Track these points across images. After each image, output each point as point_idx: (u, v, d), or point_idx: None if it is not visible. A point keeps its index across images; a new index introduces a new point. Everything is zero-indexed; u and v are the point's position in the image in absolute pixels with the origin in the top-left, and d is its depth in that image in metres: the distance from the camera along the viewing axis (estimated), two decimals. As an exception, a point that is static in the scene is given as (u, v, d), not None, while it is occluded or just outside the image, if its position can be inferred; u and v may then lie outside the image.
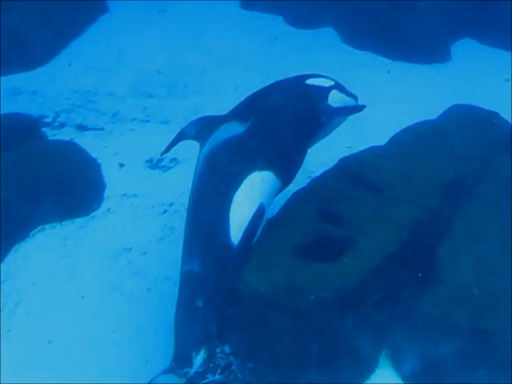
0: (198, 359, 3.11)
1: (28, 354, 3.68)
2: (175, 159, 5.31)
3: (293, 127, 3.67)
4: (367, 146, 4.17)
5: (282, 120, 3.68)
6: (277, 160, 3.55)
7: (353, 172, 3.84)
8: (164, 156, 5.28)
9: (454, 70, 6.84)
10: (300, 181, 3.99)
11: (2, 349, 3.68)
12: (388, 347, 3.59)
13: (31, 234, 4.49)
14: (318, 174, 4.02)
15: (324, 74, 4.00)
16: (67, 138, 5.37)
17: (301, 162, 3.76)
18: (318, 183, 3.86)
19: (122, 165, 5.23)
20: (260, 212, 3.41)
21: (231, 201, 3.36)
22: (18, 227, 4.41)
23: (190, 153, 5.25)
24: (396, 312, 3.47)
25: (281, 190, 3.69)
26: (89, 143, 5.31)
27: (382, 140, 4.31)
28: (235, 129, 3.60)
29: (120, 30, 7.43)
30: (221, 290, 3.26)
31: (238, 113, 3.73)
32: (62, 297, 4.03)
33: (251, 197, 3.40)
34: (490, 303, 3.33)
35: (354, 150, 4.18)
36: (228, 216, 3.33)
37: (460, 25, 7.32)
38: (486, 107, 4.62)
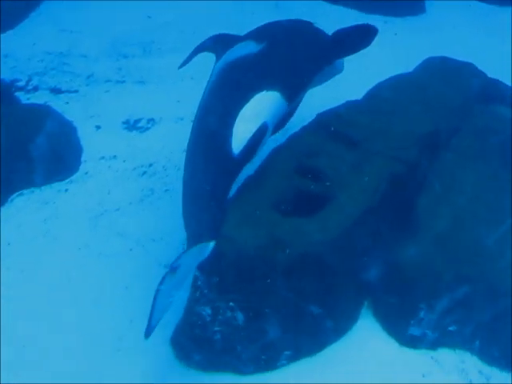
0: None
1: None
2: (152, 119, 5.25)
3: (303, 55, 3.79)
4: (343, 101, 4.16)
5: (295, 47, 3.81)
6: (286, 83, 3.66)
7: (330, 127, 3.83)
8: (141, 116, 5.26)
9: (429, 23, 6.80)
10: (277, 137, 3.98)
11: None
12: (370, 299, 3.64)
13: (10, 199, 4.44)
14: (295, 130, 4.01)
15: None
16: (41, 102, 5.28)
17: (305, 92, 3.89)
18: (295, 139, 3.84)
19: (98, 127, 5.16)
20: (263, 129, 3.51)
21: (237, 114, 3.46)
22: (-5, 193, 4.36)
23: (168, 113, 5.28)
24: (377, 263, 3.51)
25: (285, 117, 3.80)
26: (63, 106, 5.23)
27: (358, 95, 4.29)
28: (250, 47, 3.72)
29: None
30: (219, 192, 3.38)
31: (255, 35, 3.85)
32: (44, 260, 4.02)
33: (257, 113, 3.50)
34: (467, 251, 3.38)
35: (331, 106, 4.16)
36: (232, 127, 3.44)
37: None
38: (462, 59, 4.62)
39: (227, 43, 3.83)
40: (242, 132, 3.45)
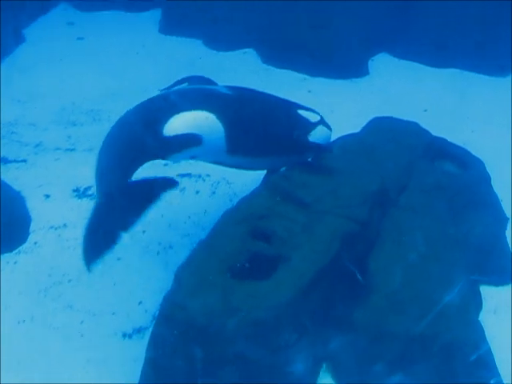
0: None
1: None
2: (103, 187, 5.17)
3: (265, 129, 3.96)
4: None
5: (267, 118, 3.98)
6: (235, 128, 3.81)
7: (281, 189, 3.81)
8: (91, 184, 5.17)
9: (372, 84, 6.97)
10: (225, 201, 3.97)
11: None
12: (328, 360, 3.57)
13: (-44, 275, 4.28)
14: (245, 193, 3.99)
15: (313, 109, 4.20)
16: (-12, 173, 5.18)
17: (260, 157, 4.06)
18: (246, 202, 3.81)
19: (47, 196, 5.05)
20: (195, 138, 3.71)
21: (178, 112, 3.68)
22: None
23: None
24: (333, 324, 3.45)
25: (225, 157, 3.95)
26: (11, 176, 5.12)
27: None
28: (222, 89, 3.95)
29: (39, 60, 7.25)
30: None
31: (232, 88, 4.01)
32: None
33: (196, 121, 3.70)
34: (421, 309, 3.36)
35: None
36: (169, 118, 3.66)
37: (376, 40, 7.48)
38: (404, 117, 4.71)
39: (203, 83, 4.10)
40: (177, 124, 3.64)
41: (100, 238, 3.52)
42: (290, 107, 4.12)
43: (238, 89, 4.04)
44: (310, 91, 6.74)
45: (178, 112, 3.70)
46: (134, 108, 3.81)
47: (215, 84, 4.15)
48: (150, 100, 3.85)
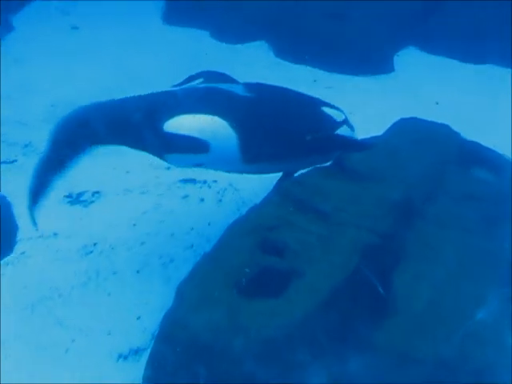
0: None
1: None
2: (98, 192, 5.22)
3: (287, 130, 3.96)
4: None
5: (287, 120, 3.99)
6: (252, 135, 3.84)
7: (293, 197, 3.82)
8: (85, 189, 5.21)
9: (398, 82, 6.98)
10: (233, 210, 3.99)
11: None
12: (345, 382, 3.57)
13: None
14: (254, 202, 4.01)
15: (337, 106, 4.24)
16: (-27, 175, 5.23)
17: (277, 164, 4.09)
18: (255, 211, 3.83)
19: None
20: (200, 143, 3.74)
21: (185, 112, 3.76)
22: None
23: (115, 185, 5.25)
24: (351, 344, 3.45)
25: (240, 165, 3.96)
26: (-3, 179, 5.18)
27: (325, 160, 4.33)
28: (238, 88, 3.98)
29: (28, 51, 7.31)
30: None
31: (250, 86, 4.05)
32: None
33: (203, 126, 3.74)
34: (448, 332, 3.35)
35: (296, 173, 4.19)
36: (173, 115, 3.74)
37: (402, 33, 7.50)
38: (433, 119, 4.72)
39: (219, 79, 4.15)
40: (180, 124, 3.72)
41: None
42: (313, 104, 4.14)
43: (256, 86, 4.07)
44: (328, 88, 6.75)
45: (184, 112, 3.75)
46: (135, 96, 3.91)
47: (232, 80, 4.18)
48: (156, 93, 3.91)
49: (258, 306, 3.22)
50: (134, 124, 3.81)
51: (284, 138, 3.92)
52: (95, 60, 7.21)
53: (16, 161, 5.58)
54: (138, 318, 4.10)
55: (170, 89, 4.06)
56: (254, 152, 3.89)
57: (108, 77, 6.89)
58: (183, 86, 4.09)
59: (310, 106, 4.13)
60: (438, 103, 6.33)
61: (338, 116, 4.15)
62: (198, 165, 4.03)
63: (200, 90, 4.01)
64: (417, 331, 3.34)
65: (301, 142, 3.96)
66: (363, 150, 4.13)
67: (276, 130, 3.91)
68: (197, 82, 4.15)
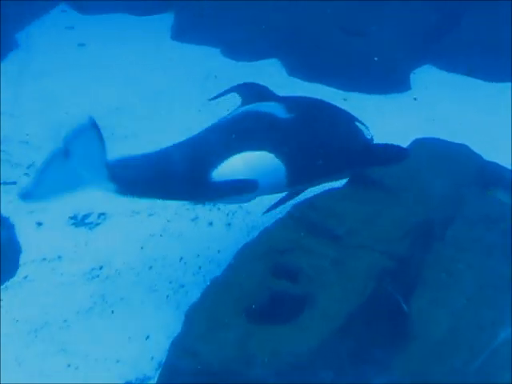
0: None
1: None
2: (103, 214, 5.24)
3: (328, 146, 4.06)
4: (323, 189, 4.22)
5: (325, 135, 4.12)
6: (295, 161, 3.92)
7: (308, 219, 3.84)
8: (90, 211, 5.23)
9: (415, 101, 6.99)
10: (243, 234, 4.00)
11: None
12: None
13: None
14: (267, 224, 4.03)
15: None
16: (-25, 196, 5.26)
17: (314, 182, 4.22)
18: (267, 234, 3.84)
19: (40, 224, 5.12)
20: (250, 184, 3.82)
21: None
22: None
23: (122, 206, 5.26)
24: (368, 372, 3.44)
25: (285, 189, 4.13)
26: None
27: (340, 181, 4.35)
28: (278, 109, 4.04)
29: (33, 69, 7.37)
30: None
31: (289, 102, 4.14)
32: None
33: (253, 167, 3.81)
34: (467, 358, 3.34)
35: (310, 194, 4.21)
36: (223, 160, 3.78)
37: (419, 49, 7.52)
38: (452, 139, 4.73)
39: (259, 95, 4.25)
40: (228, 170, 3.76)
41: None
42: (348, 119, 4.28)
43: (294, 102, 4.18)
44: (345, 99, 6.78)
45: (230, 153, 3.80)
46: (174, 145, 3.95)
47: (269, 92, 4.32)
48: (198, 137, 3.98)
49: (269, 332, 3.22)
50: (181, 178, 3.83)
51: (324, 157, 3.99)
52: (102, 78, 7.25)
53: (18, 182, 5.60)
54: (144, 347, 4.09)
55: (209, 126, 4.07)
56: (299, 175, 3.98)
57: (115, 95, 6.92)
58: (222, 118, 4.10)
59: (345, 122, 4.25)
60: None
61: (367, 132, 4.27)
62: (241, 201, 4.12)
63: (240, 120, 4.03)
64: (436, 357, 3.34)
65: (339, 158, 4.09)
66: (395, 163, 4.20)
67: (317, 150, 3.99)
68: (236, 110, 4.21)
